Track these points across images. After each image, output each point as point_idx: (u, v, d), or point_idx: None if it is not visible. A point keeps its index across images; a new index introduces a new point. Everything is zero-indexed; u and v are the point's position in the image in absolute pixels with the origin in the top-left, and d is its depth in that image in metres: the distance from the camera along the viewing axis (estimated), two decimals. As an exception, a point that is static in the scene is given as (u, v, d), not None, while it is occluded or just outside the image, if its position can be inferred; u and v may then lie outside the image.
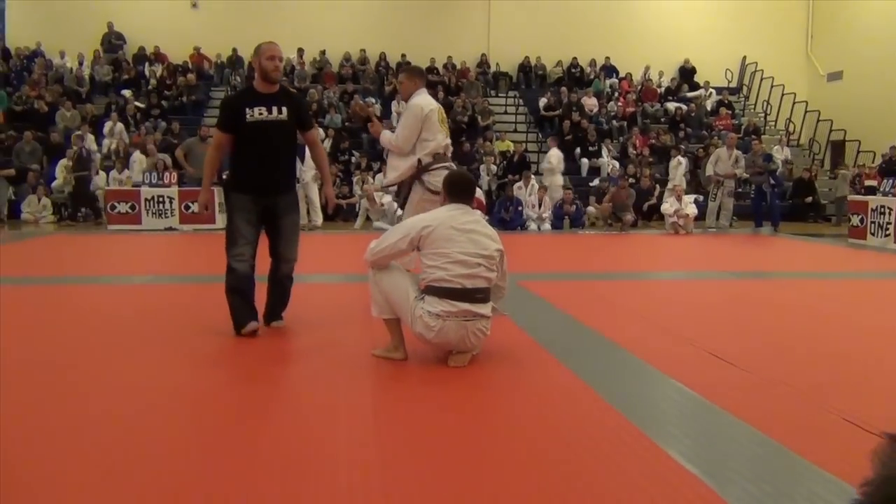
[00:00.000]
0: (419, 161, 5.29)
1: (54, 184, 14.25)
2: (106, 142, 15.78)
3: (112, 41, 19.57)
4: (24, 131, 14.95)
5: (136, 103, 17.44)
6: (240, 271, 4.56)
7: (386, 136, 5.47)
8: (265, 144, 4.57)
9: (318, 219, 13.12)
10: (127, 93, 17.91)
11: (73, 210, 14.02)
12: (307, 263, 6.60)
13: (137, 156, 14.46)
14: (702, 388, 3.56)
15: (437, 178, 4.93)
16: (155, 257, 9.53)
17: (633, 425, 3.05)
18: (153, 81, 18.58)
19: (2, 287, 6.64)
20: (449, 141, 5.50)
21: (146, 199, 12.69)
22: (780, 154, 16.92)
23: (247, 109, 4.53)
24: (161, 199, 12.66)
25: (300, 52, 19.76)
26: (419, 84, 5.54)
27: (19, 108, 16.89)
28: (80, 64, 18.98)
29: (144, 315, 5.33)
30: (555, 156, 15.12)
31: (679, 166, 15.19)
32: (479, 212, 4.22)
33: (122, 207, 12.72)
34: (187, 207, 12.40)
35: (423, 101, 5.40)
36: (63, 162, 14.29)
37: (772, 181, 13.65)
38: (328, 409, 3.25)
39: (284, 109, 4.58)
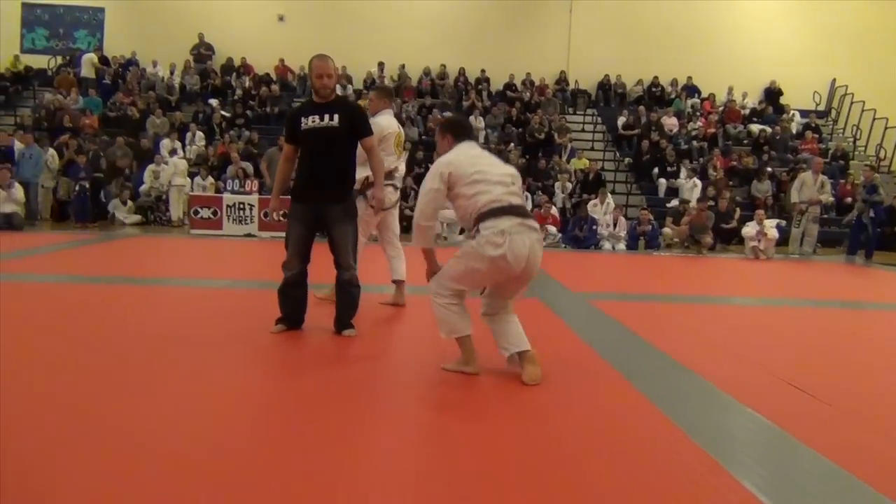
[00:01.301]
0: (367, 177, 5.36)
1: (142, 188, 14.82)
2: (189, 148, 16.35)
3: (202, 52, 20.31)
4: (117, 136, 15.63)
5: (222, 112, 18.01)
6: (288, 279, 4.84)
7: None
8: (316, 151, 4.71)
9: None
10: (214, 102, 18.52)
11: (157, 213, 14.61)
12: (376, 274, 6.68)
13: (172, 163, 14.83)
14: (778, 417, 3.45)
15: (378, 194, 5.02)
16: (233, 262, 9.80)
17: (705, 452, 2.98)
18: (239, 91, 19.17)
19: (87, 285, 6.95)
20: (401, 165, 5.96)
21: (227, 206, 13.07)
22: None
23: (302, 119, 4.73)
24: (242, 206, 13.03)
25: (381, 65, 20.10)
26: (387, 104, 5.97)
27: (113, 114, 17.66)
28: (172, 73, 19.76)
29: (219, 317, 5.49)
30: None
31: (695, 188, 14.96)
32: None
33: (205, 213, 13.13)
34: (266, 215, 12.70)
35: (385, 121, 5.76)
36: (151, 167, 14.86)
37: (872, 213, 13.16)
38: (393, 422, 3.28)
39: (336, 116, 4.69)
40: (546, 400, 3.67)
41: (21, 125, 16.34)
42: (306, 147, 4.76)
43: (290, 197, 4.94)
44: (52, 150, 14.44)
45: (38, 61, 20.48)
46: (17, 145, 14.01)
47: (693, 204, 14.27)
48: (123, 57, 20.25)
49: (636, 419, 3.40)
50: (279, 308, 4.94)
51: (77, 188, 13.76)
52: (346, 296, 4.87)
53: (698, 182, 16.02)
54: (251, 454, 2.82)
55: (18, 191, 12.58)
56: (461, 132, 4.24)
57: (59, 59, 20.24)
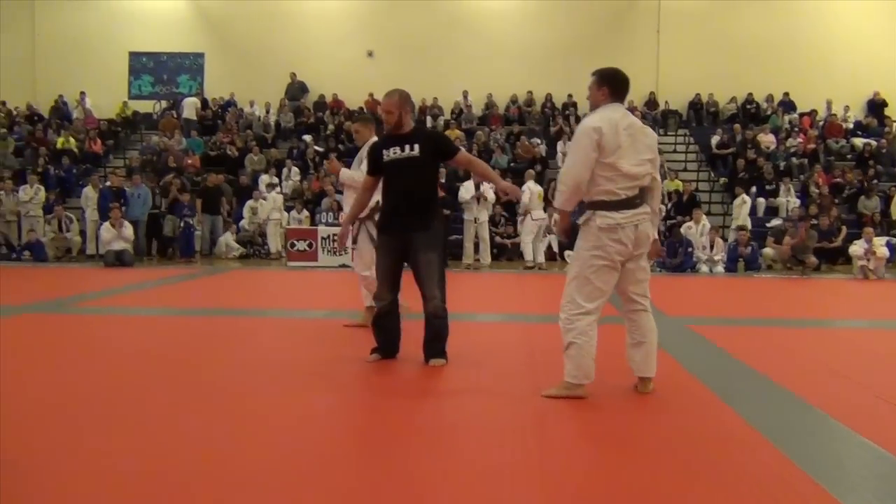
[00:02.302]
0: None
1: (241, 223, 15.38)
2: (285, 183, 16.89)
3: (295, 90, 21.03)
4: (217, 174, 16.31)
5: (316, 147, 18.53)
6: (380, 310, 4.93)
7: (346, 173, 6.19)
8: (398, 182, 4.81)
9: (487, 258, 13.30)
10: (307, 138, 19.08)
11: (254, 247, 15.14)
12: (471, 302, 6.69)
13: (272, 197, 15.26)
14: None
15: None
16: (329, 293, 10.01)
17: (817, 485, 2.84)
18: (331, 127, 19.71)
19: (191, 317, 7.23)
20: None
21: (322, 238, 13.40)
22: None
23: (384, 151, 4.85)
24: (336, 238, 13.32)
25: (465, 94, 20.30)
26: (372, 132, 6.17)
27: (213, 153, 18.45)
28: (267, 112, 20.55)
29: (315, 347, 5.61)
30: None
31: (744, 205, 14.26)
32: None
33: (301, 245, 13.50)
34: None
35: None
36: (250, 203, 15.42)
37: None
38: (492, 448, 3.26)
39: (416, 146, 4.77)
40: (651, 429, 3.57)
41: (129, 167, 17.27)
42: (389, 178, 4.88)
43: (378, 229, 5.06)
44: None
45: (144, 106, 21.66)
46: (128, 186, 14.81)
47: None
48: (222, 98, 21.19)
49: (742, 449, 3.27)
50: (374, 338, 5.02)
51: (182, 225, 14.40)
52: (431, 326, 4.85)
53: (797, 200, 15.47)
54: (354, 488, 2.85)
55: (128, 229, 13.27)
56: (619, 88, 4.10)
57: (164, 104, 21.34)
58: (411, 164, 4.77)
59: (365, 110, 20.40)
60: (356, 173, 5.94)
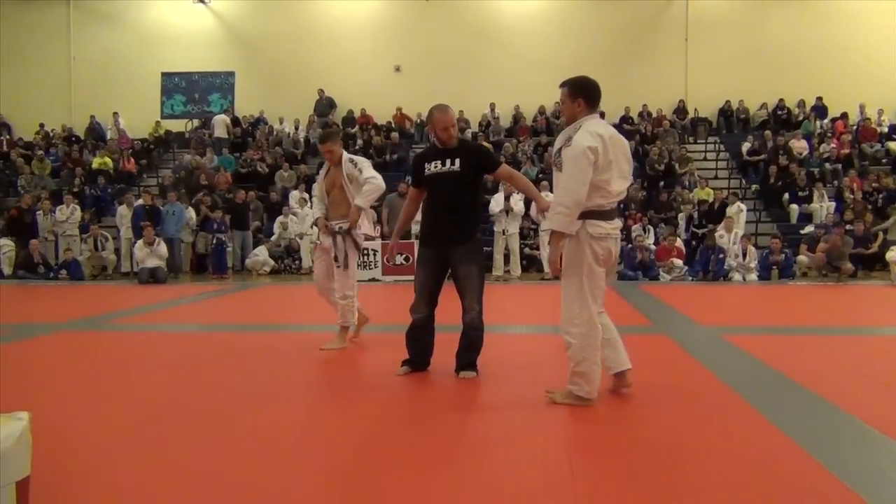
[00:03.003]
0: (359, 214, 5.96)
1: (272, 238, 15.50)
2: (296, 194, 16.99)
3: (324, 106, 21.20)
4: (248, 191, 16.47)
5: (345, 162, 18.65)
6: (414, 322, 4.95)
7: (367, 198, 6.06)
8: (439, 196, 4.86)
9: (517, 270, 13.23)
10: (336, 153, 19.24)
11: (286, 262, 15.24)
12: (502, 313, 6.65)
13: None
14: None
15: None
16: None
17: (855, 494, 2.75)
18: (360, 141, 19.82)
19: (225, 333, 7.28)
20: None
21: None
22: None
23: (426, 165, 4.89)
24: (366, 252, 13.34)
25: (492, 107, 20.30)
26: (342, 146, 6.27)
27: (244, 170, 18.64)
28: (296, 128, 20.74)
29: (346, 361, 5.61)
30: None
31: (740, 214, 13.98)
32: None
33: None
34: (389, 260, 12.98)
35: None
36: (280, 219, 15.53)
37: None
38: (522, 460, 3.22)
39: (458, 161, 4.78)
40: (685, 441, 3.50)
41: (162, 186, 17.51)
42: (430, 192, 4.91)
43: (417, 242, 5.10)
44: (190, 208, 15.35)
45: (176, 125, 22.02)
46: (160, 204, 15.01)
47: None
48: (252, 116, 21.44)
49: (777, 458, 3.20)
50: (407, 350, 5.01)
51: (214, 241, 14.55)
52: (466, 337, 4.87)
53: (832, 205, 15.21)
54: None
55: (162, 247, 13.45)
56: (595, 97, 4.10)
57: (195, 122, 21.65)
58: (452, 178, 4.79)
59: (393, 125, 20.54)
60: (373, 189, 5.92)
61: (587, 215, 3.93)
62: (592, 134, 3.91)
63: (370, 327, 6.68)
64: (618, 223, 4.12)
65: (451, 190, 4.80)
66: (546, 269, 12.83)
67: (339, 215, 6.05)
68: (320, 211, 6.21)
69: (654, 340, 6.52)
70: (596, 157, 3.85)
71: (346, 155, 6.06)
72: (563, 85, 4.17)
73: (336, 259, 6.05)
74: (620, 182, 4.02)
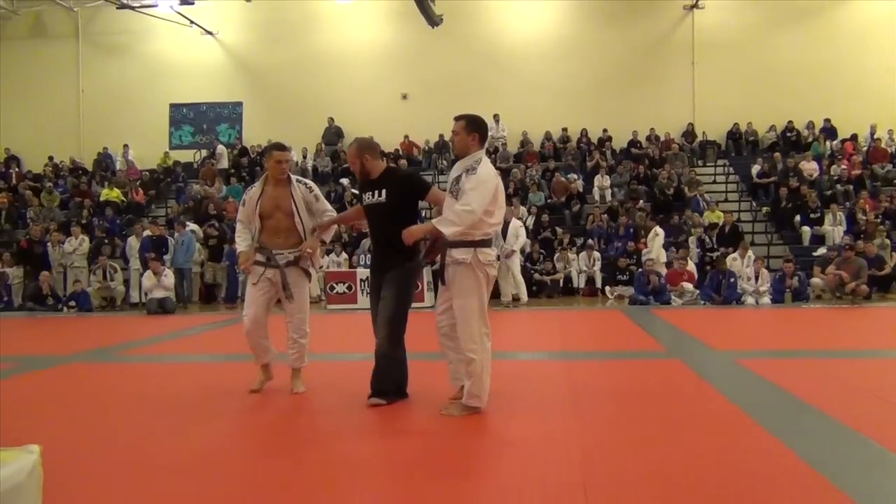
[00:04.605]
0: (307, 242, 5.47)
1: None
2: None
3: (331, 135, 21.34)
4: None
5: (353, 190, 18.70)
6: (374, 350, 4.95)
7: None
8: (372, 227, 5.04)
9: (524, 295, 13.18)
10: (344, 181, 19.27)
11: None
12: (510, 340, 6.62)
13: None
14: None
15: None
16: (369, 335, 9.97)
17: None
18: (367, 169, 19.88)
19: (229, 363, 7.27)
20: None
21: (361, 280, 13.43)
22: None
23: (364, 194, 5.05)
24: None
25: (496, 118, 20.08)
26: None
27: (253, 200, 18.71)
28: (304, 157, 20.84)
29: (347, 386, 5.59)
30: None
31: (656, 238, 13.90)
32: None
33: (340, 288, 13.56)
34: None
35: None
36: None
37: None
38: (536, 493, 3.19)
39: (384, 192, 4.87)
40: (702, 471, 3.46)
41: (169, 217, 17.59)
42: (368, 222, 5.08)
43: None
44: (196, 241, 15.36)
45: (185, 156, 22.16)
46: (168, 235, 15.06)
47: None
48: (260, 145, 21.55)
49: (795, 484, 3.15)
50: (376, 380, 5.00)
51: (227, 269, 14.59)
52: (375, 364, 4.93)
53: (843, 227, 15.17)
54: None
55: (169, 277, 13.48)
56: (485, 136, 4.59)
57: (203, 153, 21.81)
58: (379, 210, 4.91)
59: (401, 152, 20.63)
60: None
61: (478, 244, 4.41)
62: (494, 171, 4.53)
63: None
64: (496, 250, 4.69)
65: (380, 221, 4.94)
66: (509, 296, 12.93)
67: (282, 244, 5.35)
68: (246, 243, 5.42)
69: (667, 366, 6.48)
70: (495, 190, 4.42)
71: (293, 176, 5.44)
72: (460, 118, 4.58)
73: (285, 290, 5.37)
74: (500, 214, 4.56)
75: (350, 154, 5.00)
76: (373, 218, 5.00)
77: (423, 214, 13.50)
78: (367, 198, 4.96)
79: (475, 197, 4.29)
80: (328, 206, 5.52)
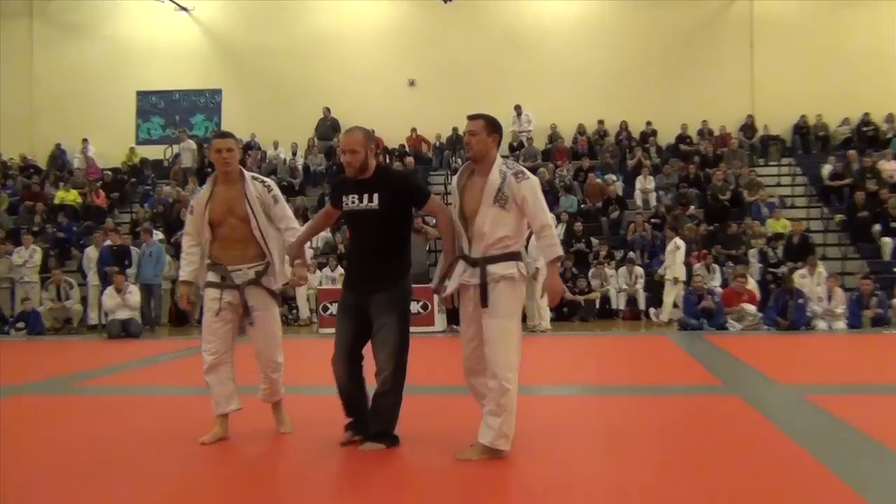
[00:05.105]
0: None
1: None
2: (316, 236, 17.03)
3: (326, 128, 21.33)
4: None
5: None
6: (337, 380, 4.91)
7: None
8: (359, 237, 4.93)
9: (545, 321, 13.04)
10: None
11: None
12: (536, 371, 6.56)
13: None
14: None
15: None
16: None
17: None
18: (368, 169, 19.87)
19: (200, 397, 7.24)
20: None
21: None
22: None
23: (344, 197, 4.86)
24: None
25: (517, 109, 20.21)
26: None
27: (233, 204, 18.76)
28: (294, 154, 20.87)
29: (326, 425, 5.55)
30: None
31: (677, 251, 13.80)
32: None
33: (335, 308, 13.51)
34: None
35: None
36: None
37: None
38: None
39: (376, 196, 4.71)
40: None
41: (135, 221, 17.64)
42: (350, 230, 4.99)
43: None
44: (166, 253, 15.42)
45: (154, 152, 22.28)
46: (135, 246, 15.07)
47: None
48: (242, 140, 21.63)
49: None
50: (345, 412, 4.99)
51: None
52: (374, 403, 4.84)
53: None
54: None
55: (134, 295, 13.47)
56: (501, 139, 4.79)
57: (175, 148, 21.88)
58: (370, 217, 4.74)
59: (407, 148, 20.65)
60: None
61: (518, 256, 4.54)
62: None
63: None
64: None
65: (370, 231, 4.77)
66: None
67: (239, 258, 5.16)
68: (190, 268, 5.26)
69: (724, 403, 6.43)
70: None
71: (247, 172, 5.29)
72: (477, 118, 4.69)
73: (247, 315, 5.16)
74: None
75: (353, 140, 4.74)
76: (359, 227, 4.87)
77: (433, 222, 13.48)
78: (352, 202, 4.78)
79: (543, 205, 4.53)
80: (289, 212, 5.33)
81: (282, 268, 5.24)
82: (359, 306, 4.81)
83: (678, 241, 14.19)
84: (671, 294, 13.94)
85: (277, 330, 5.36)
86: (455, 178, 4.76)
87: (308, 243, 5.60)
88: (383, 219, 4.73)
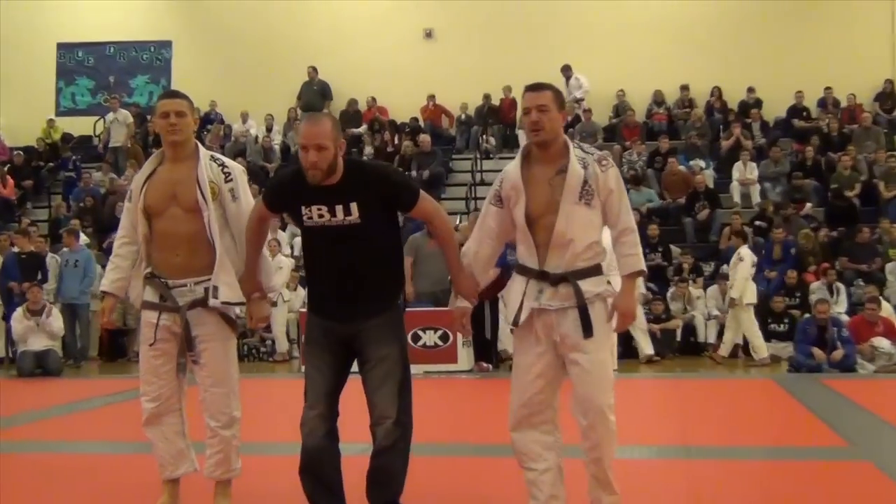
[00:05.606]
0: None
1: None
2: (296, 239, 17.05)
3: (313, 95, 21.41)
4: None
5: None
6: (308, 446, 4.65)
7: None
8: (333, 257, 4.68)
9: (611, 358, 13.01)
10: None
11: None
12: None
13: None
14: None
15: None
16: (353, 411, 9.95)
17: None
18: (369, 149, 19.87)
19: (141, 457, 7.29)
20: None
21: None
22: None
23: (302, 206, 4.64)
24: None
25: (566, 70, 20.18)
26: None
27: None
28: (269, 130, 20.95)
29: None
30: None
31: (740, 264, 13.70)
32: None
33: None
34: (417, 338, 12.64)
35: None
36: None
37: None
38: None
39: (353, 206, 4.55)
40: None
41: (55, 220, 17.70)
42: (317, 251, 4.77)
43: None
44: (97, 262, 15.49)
45: (81, 126, 22.44)
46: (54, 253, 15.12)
47: None
48: (199, 110, 21.65)
49: None
50: (306, 495, 4.74)
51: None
52: (376, 462, 4.73)
53: None
54: None
55: (56, 319, 13.46)
56: None
57: (109, 119, 21.86)
58: (352, 232, 4.60)
59: (422, 122, 20.62)
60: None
61: (602, 269, 4.61)
62: None
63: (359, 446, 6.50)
64: None
65: (352, 250, 4.62)
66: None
67: (183, 267, 5.02)
68: (114, 276, 5.20)
69: (852, 470, 6.46)
70: None
71: (203, 149, 5.18)
72: (542, 87, 4.62)
73: (190, 349, 5.07)
74: None
75: (320, 133, 4.49)
76: (335, 245, 4.64)
77: (458, 221, 13.48)
78: (319, 215, 4.60)
79: (628, 203, 4.66)
80: (249, 198, 5.21)
81: (237, 284, 5.04)
82: (339, 340, 4.72)
83: (744, 250, 14.08)
84: (733, 324, 13.93)
85: (233, 369, 5.21)
86: (511, 169, 4.65)
87: (279, 251, 5.66)
88: (368, 232, 4.62)
